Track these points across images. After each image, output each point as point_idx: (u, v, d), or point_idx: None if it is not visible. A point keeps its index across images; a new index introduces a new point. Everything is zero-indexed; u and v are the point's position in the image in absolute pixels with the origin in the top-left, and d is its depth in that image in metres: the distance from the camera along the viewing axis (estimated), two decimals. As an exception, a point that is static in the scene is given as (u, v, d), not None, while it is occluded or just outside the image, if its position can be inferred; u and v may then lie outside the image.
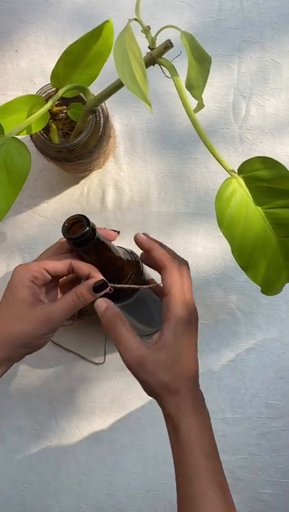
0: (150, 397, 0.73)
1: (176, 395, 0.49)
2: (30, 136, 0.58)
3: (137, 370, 0.49)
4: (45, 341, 0.52)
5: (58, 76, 0.52)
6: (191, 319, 0.51)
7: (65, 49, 0.51)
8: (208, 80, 0.47)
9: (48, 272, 0.52)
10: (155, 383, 0.49)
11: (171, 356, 0.49)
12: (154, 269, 0.54)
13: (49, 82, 0.55)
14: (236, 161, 0.46)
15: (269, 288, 0.48)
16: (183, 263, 0.53)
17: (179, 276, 0.51)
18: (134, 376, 0.50)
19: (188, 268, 0.54)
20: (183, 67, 0.45)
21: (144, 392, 0.73)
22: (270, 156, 0.45)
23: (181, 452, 0.50)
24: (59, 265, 0.52)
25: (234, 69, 0.71)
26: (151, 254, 0.52)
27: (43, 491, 0.74)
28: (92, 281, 0.51)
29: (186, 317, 0.50)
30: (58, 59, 0.51)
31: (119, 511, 0.74)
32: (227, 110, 0.71)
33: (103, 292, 0.51)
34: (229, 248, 0.46)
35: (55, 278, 0.54)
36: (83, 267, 0.52)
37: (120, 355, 0.49)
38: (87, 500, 0.74)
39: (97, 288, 0.51)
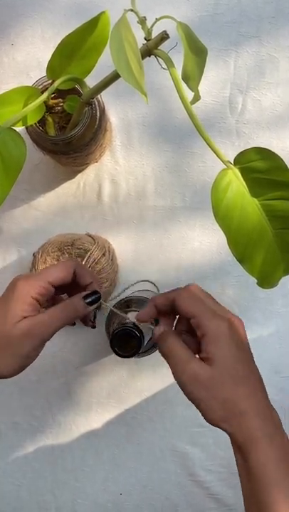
0: (147, 393, 0.73)
1: (242, 416, 0.43)
2: (26, 128, 0.58)
3: (192, 385, 0.44)
4: (36, 355, 0.48)
5: (53, 68, 0.51)
6: (232, 327, 0.46)
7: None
8: (204, 74, 0.46)
9: (51, 284, 0.48)
10: (215, 401, 0.43)
11: (226, 370, 0.44)
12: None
13: (45, 75, 0.55)
14: (232, 155, 0.46)
15: (265, 280, 0.48)
16: None
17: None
18: (189, 397, 0.45)
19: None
20: (179, 59, 0.45)
21: (140, 386, 0.73)
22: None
23: (254, 489, 0.42)
24: (62, 273, 0.49)
25: (231, 63, 0.71)
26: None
27: (40, 486, 0.74)
28: (84, 293, 0.50)
29: (225, 325, 0.45)
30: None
31: (115, 507, 0.74)
32: (223, 104, 0.71)
33: (95, 306, 0.50)
34: (226, 242, 0.46)
35: (58, 290, 0.51)
36: (86, 276, 0.51)
37: (173, 372, 0.46)
38: (84, 495, 0.74)
39: (91, 301, 0.50)
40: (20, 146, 0.44)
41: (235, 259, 0.46)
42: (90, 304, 0.50)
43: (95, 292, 0.50)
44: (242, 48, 0.71)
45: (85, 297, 0.50)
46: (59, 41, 0.71)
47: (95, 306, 0.50)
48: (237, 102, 0.71)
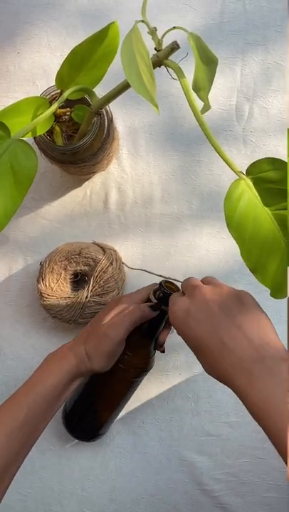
0: (154, 402, 0.73)
1: (233, 354, 0.43)
2: (34, 138, 0.58)
3: (184, 320, 0.47)
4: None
5: (62, 78, 0.51)
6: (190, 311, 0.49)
7: (67, 51, 0.50)
8: (211, 83, 0.47)
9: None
10: (201, 334, 0.46)
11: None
12: None
13: (51, 83, 0.55)
14: (240, 163, 0.46)
15: (278, 291, 0.47)
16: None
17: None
18: (180, 333, 0.48)
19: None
20: (187, 68, 0.45)
21: (148, 395, 0.73)
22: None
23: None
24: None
25: (237, 71, 0.71)
26: None
27: (47, 496, 0.74)
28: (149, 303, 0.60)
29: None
30: (60, 61, 0.51)
31: (123, 516, 0.73)
32: (230, 112, 0.71)
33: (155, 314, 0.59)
34: (233, 250, 0.46)
35: None
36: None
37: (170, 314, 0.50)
38: (91, 505, 0.73)
39: (153, 307, 0.59)
40: (32, 158, 0.43)
41: (242, 268, 0.46)
42: (153, 309, 0.59)
43: (155, 304, 0.60)
44: (248, 55, 0.71)
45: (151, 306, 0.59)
46: (65, 49, 0.71)
47: (156, 312, 0.59)
48: (244, 110, 0.71)
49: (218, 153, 0.44)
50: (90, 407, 0.67)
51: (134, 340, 0.61)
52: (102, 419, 0.68)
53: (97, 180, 0.72)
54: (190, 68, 0.45)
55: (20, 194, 0.43)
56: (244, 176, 0.44)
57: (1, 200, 0.42)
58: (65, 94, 0.50)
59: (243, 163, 0.68)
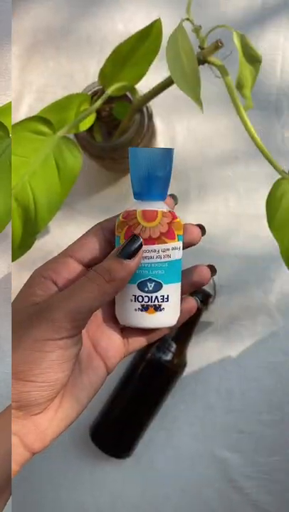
0: (188, 397, 0.73)
1: None
2: (75, 135, 0.59)
3: None
4: None
5: (105, 74, 0.52)
6: None
7: (108, 47, 0.51)
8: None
9: (76, 259, 0.36)
10: None
11: None
12: None
13: (89, 80, 0.56)
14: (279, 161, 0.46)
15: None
16: None
17: None
18: None
19: None
20: (230, 66, 0.45)
21: (182, 391, 0.73)
22: None
23: None
24: (89, 244, 0.36)
25: (277, 68, 0.70)
26: None
27: (79, 487, 0.75)
28: (115, 249, 0.35)
29: None
30: (99, 56, 0.51)
31: (154, 510, 0.74)
32: (269, 110, 0.71)
33: (137, 257, 0.34)
34: (271, 249, 0.45)
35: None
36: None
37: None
38: (123, 497, 0.74)
39: (130, 252, 0.34)
40: (76, 155, 0.44)
41: (279, 267, 0.46)
42: (130, 255, 0.34)
43: (133, 239, 0.34)
44: (289, 51, 0.70)
45: (121, 251, 0.34)
46: (104, 45, 0.72)
47: (137, 257, 0.34)
48: (283, 108, 0.70)
49: (261, 152, 0.44)
50: None
51: None
52: None
53: (133, 177, 0.72)
54: (231, 66, 0.45)
55: (64, 191, 0.44)
56: (287, 176, 0.44)
57: (46, 196, 0.42)
58: (109, 91, 0.50)
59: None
